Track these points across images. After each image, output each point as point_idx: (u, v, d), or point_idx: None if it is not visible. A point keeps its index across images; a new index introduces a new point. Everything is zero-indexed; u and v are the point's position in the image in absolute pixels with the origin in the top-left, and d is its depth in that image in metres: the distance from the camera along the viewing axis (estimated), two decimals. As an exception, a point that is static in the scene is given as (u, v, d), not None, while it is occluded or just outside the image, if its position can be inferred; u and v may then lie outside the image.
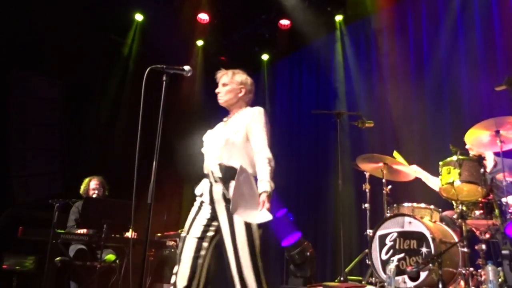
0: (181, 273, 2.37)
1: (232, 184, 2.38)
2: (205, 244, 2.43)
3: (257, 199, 2.33)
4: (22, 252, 5.27)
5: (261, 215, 2.31)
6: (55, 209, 3.82)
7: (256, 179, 2.45)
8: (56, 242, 3.86)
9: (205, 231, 2.45)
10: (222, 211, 2.43)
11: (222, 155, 2.49)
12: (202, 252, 2.41)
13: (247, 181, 2.36)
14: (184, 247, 2.43)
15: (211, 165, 2.52)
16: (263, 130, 2.54)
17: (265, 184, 2.36)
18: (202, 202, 2.53)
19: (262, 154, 2.45)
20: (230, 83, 2.67)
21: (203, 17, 6.68)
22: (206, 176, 2.54)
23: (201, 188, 2.56)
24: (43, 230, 3.86)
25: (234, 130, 2.54)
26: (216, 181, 2.48)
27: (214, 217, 2.47)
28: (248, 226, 2.35)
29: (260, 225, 2.39)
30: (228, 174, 2.43)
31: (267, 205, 2.32)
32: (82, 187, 4.71)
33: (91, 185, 4.68)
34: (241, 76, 2.72)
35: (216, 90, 2.68)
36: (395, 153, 4.19)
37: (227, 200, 2.40)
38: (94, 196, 4.59)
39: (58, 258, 4.15)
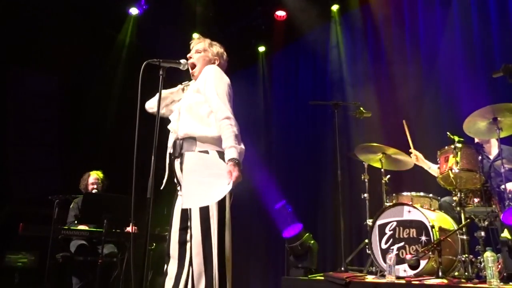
0: (170, 270, 2.27)
1: (187, 155, 2.25)
2: (189, 236, 2.28)
3: (219, 172, 2.11)
4: (23, 248, 5.29)
5: (220, 189, 2.07)
6: (55, 205, 3.82)
7: (220, 152, 2.26)
8: (57, 238, 3.87)
9: (185, 220, 2.32)
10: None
11: (178, 127, 2.37)
12: (188, 245, 2.28)
13: (199, 162, 2.17)
14: (169, 242, 2.33)
15: (169, 142, 2.42)
16: (217, 85, 2.31)
17: (230, 151, 2.13)
18: (177, 186, 2.42)
19: (220, 114, 2.23)
20: (204, 51, 2.53)
21: (199, 10, 6.64)
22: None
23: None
24: (44, 226, 3.87)
25: (186, 96, 2.43)
26: (175, 157, 2.35)
27: None
28: (203, 207, 2.18)
29: (220, 207, 2.21)
30: (184, 147, 2.30)
31: (235, 173, 2.07)
32: (82, 182, 4.72)
33: (90, 180, 4.68)
34: (218, 48, 2.58)
35: (188, 55, 2.53)
36: (405, 125, 4.17)
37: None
38: (94, 191, 4.60)
39: (59, 254, 4.17)
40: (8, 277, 5.27)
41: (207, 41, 2.58)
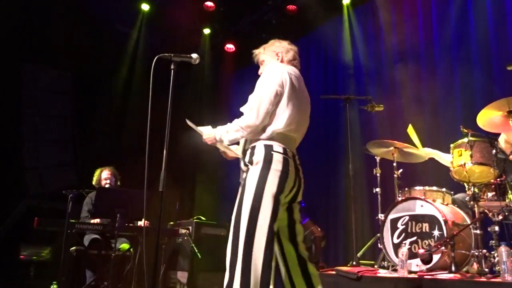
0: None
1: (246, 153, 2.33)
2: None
3: None
4: (38, 242, 5.37)
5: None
6: (69, 199, 3.87)
7: (267, 146, 2.33)
8: (71, 232, 3.92)
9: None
10: None
11: None
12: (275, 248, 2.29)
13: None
14: None
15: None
16: (261, 89, 2.36)
17: (218, 131, 2.35)
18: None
19: (243, 118, 2.32)
20: (265, 59, 2.62)
21: (209, 4, 6.64)
22: None
23: None
24: (58, 220, 3.92)
25: None
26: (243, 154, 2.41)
27: None
28: (250, 206, 2.19)
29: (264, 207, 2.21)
30: (246, 145, 2.38)
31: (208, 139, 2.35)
32: (95, 178, 4.76)
33: (103, 176, 4.73)
34: (271, 47, 2.64)
35: (259, 72, 2.60)
36: (410, 129, 4.14)
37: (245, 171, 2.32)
38: (107, 186, 4.64)
39: (73, 248, 4.22)
40: (23, 270, 5.36)
41: (261, 48, 2.65)
